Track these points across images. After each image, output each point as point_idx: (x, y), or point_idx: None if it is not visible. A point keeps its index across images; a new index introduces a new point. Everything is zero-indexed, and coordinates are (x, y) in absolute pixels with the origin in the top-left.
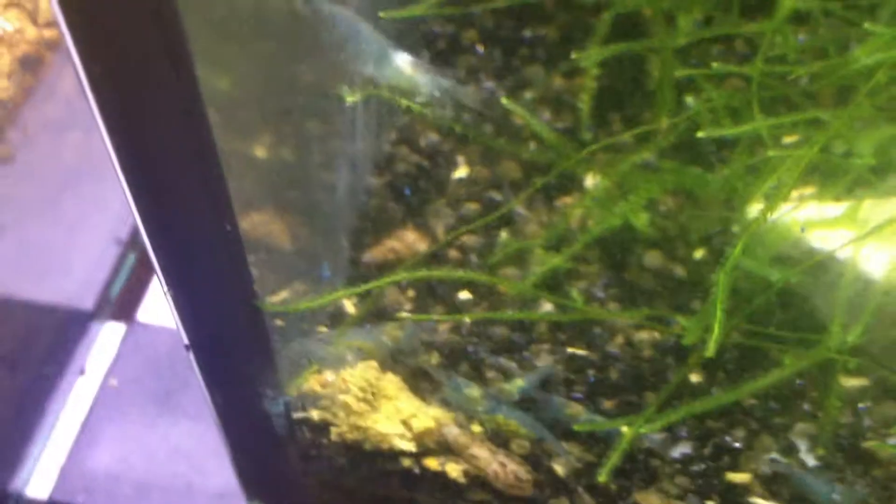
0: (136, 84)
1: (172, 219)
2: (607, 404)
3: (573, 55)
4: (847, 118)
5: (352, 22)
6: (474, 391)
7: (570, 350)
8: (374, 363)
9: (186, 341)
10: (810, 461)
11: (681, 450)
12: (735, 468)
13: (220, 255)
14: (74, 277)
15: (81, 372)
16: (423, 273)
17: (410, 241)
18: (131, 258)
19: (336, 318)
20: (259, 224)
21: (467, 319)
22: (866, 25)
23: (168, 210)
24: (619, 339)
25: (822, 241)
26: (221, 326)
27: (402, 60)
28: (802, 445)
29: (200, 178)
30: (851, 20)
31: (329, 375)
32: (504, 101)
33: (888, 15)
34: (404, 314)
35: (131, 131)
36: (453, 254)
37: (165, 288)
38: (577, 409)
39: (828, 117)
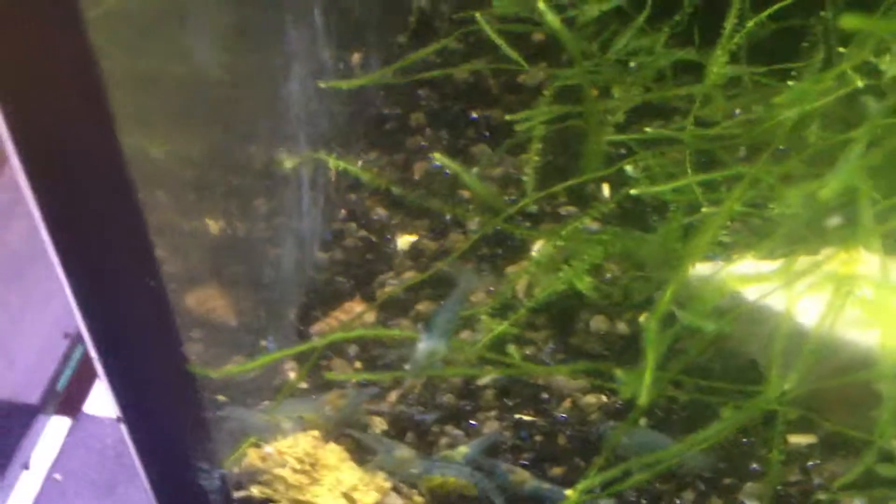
0: (61, 139)
1: (98, 277)
2: (555, 470)
3: (508, 117)
4: (775, 174)
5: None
6: (405, 453)
7: (517, 416)
8: (314, 433)
9: (119, 413)
10: None
11: None
12: None
13: (147, 319)
14: (19, 370)
15: (25, 466)
16: (358, 332)
17: (357, 312)
18: (79, 351)
19: (281, 391)
20: (202, 299)
21: (407, 379)
22: (790, 84)
23: (93, 269)
24: (567, 404)
25: (758, 295)
26: (151, 395)
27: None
28: None
29: (123, 235)
30: (780, 85)
31: (268, 448)
32: (436, 156)
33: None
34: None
35: (54, 179)
36: (405, 323)
37: (95, 353)
38: (523, 475)
39: (756, 172)
